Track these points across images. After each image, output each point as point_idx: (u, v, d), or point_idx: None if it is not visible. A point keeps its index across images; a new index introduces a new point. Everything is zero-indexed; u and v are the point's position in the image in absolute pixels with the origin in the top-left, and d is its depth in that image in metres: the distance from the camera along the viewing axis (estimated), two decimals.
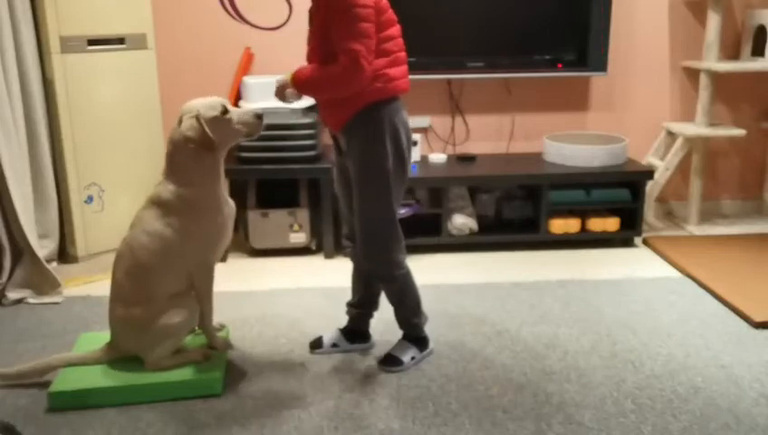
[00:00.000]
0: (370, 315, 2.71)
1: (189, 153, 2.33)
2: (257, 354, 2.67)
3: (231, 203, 2.50)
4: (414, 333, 2.61)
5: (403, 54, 2.36)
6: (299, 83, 2.31)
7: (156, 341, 2.38)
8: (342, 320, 2.76)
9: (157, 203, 2.38)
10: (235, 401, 2.35)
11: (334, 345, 2.69)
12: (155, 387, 2.35)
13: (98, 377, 2.38)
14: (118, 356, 2.47)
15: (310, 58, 2.37)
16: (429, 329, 2.85)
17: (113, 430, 2.20)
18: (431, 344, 2.65)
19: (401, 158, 2.38)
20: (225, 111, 2.35)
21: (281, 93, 2.40)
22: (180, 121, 2.35)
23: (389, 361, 2.57)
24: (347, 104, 2.31)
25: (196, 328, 2.57)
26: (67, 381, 2.36)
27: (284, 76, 2.36)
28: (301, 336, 2.79)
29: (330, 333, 2.72)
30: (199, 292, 2.47)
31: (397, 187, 2.39)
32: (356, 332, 2.71)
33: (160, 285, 2.38)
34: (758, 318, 2.87)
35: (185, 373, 2.40)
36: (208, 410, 2.30)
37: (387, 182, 2.36)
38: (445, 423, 2.23)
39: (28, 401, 2.34)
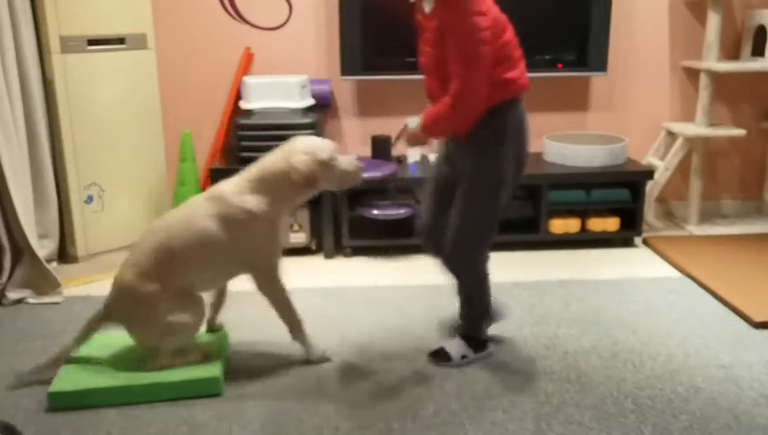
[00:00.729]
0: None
1: (285, 182, 2.40)
2: (257, 354, 2.67)
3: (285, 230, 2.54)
4: (473, 332, 2.60)
5: (518, 53, 2.36)
6: (429, 130, 2.37)
7: (161, 335, 2.39)
8: (341, 320, 2.76)
9: (220, 201, 2.40)
10: (235, 401, 2.35)
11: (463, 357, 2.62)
12: (155, 387, 2.35)
13: (98, 377, 2.38)
14: (104, 325, 2.44)
15: (426, 65, 2.41)
16: (430, 329, 2.85)
17: (113, 430, 2.20)
18: (490, 347, 2.63)
19: (520, 161, 2.40)
20: (335, 157, 2.43)
21: (415, 142, 2.48)
22: (289, 154, 2.40)
23: (439, 355, 2.58)
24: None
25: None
26: (67, 381, 2.36)
27: (412, 124, 2.42)
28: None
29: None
30: (273, 304, 2.53)
31: (506, 192, 2.41)
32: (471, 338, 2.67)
33: (180, 274, 2.38)
34: (758, 318, 2.87)
35: (185, 373, 2.40)
36: (208, 410, 2.30)
37: (500, 186, 2.37)
38: (445, 423, 2.23)
39: (28, 401, 2.35)
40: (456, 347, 2.59)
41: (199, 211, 2.40)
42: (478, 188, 2.38)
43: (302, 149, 2.40)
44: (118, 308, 2.43)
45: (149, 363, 2.42)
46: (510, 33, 2.32)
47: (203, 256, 2.39)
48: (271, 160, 2.43)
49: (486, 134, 2.33)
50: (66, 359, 2.47)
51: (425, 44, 2.39)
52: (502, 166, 2.35)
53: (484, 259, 2.49)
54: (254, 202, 2.40)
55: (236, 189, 2.42)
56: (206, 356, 2.49)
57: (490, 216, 2.41)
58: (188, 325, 2.42)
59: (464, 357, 2.58)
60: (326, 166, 2.41)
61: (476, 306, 2.56)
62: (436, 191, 2.54)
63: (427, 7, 2.32)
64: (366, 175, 3.50)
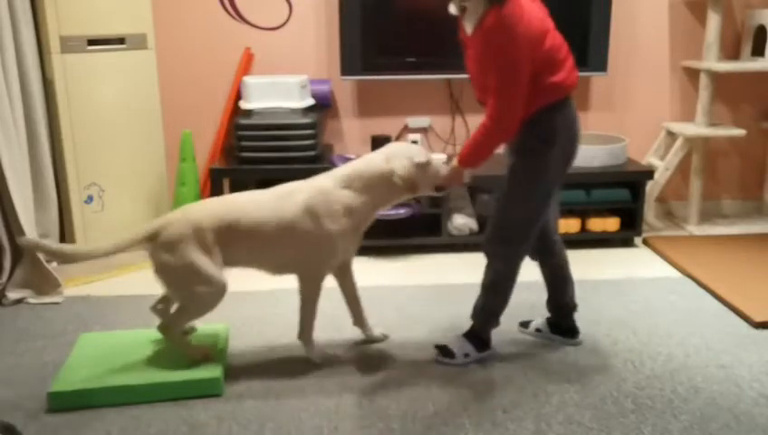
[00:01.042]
0: (572, 310, 2.72)
1: (383, 184, 2.45)
2: (257, 354, 2.67)
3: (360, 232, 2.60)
4: (478, 330, 2.60)
5: (563, 54, 2.37)
6: (467, 162, 2.41)
7: (180, 297, 2.41)
8: (341, 320, 2.76)
9: (319, 191, 2.44)
10: (235, 401, 2.35)
11: (538, 331, 2.77)
12: (155, 387, 2.35)
13: (98, 377, 2.38)
14: (145, 246, 2.42)
15: (471, 79, 2.46)
16: (430, 329, 2.85)
17: (113, 430, 2.20)
18: (493, 348, 2.64)
19: (567, 160, 2.42)
20: (429, 162, 2.50)
21: (455, 181, 2.51)
22: (388, 159, 2.45)
23: (443, 351, 2.60)
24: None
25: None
26: (67, 381, 2.36)
27: (449, 165, 2.49)
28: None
29: (540, 320, 2.78)
30: (303, 301, 2.56)
31: (549, 190, 2.43)
32: (559, 326, 2.74)
33: (235, 253, 2.42)
34: (758, 318, 2.87)
35: (185, 373, 2.40)
36: (208, 410, 2.30)
37: (543, 186, 2.40)
38: (445, 423, 2.23)
39: (28, 401, 2.34)
40: (460, 345, 2.59)
41: (298, 194, 2.44)
42: (522, 184, 2.41)
43: (401, 154, 2.46)
44: (164, 238, 2.38)
45: (162, 323, 2.45)
46: (551, 39, 2.32)
47: (277, 239, 2.41)
48: (369, 161, 2.48)
49: (535, 137, 2.35)
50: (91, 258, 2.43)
51: (468, 60, 2.43)
52: (548, 167, 2.38)
53: (518, 255, 2.50)
54: (351, 197, 2.45)
55: (335, 183, 2.46)
56: (207, 357, 2.49)
57: (530, 213, 2.43)
58: (206, 303, 2.41)
59: (466, 355, 2.58)
60: (423, 169, 2.47)
61: (492, 300, 2.56)
62: None
63: (469, 29, 2.35)
64: None
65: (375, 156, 2.50)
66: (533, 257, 2.64)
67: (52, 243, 2.39)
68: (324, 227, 2.43)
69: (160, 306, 2.59)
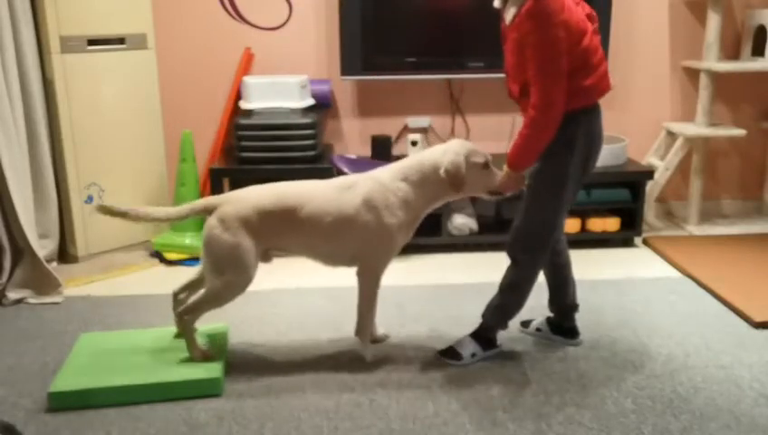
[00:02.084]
0: (574, 310, 2.73)
1: (434, 177, 2.44)
2: (257, 354, 2.67)
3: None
4: (487, 331, 2.61)
5: (597, 58, 2.35)
6: (516, 166, 2.37)
7: (212, 279, 2.42)
8: (341, 320, 2.76)
9: (378, 182, 2.45)
10: (235, 401, 2.35)
11: (538, 330, 2.78)
12: (155, 387, 2.35)
13: (98, 377, 2.38)
14: (203, 214, 2.46)
15: (507, 70, 2.43)
16: (430, 329, 2.86)
17: (113, 430, 2.20)
18: (499, 346, 2.65)
19: (586, 168, 2.43)
20: (487, 165, 2.47)
21: (513, 186, 2.45)
22: (445, 153, 2.44)
23: (450, 353, 2.60)
24: None
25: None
26: (67, 381, 2.36)
27: (500, 172, 2.43)
28: (301, 336, 2.79)
29: (540, 320, 2.79)
30: (361, 297, 2.57)
31: (570, 196, 2.44)
32: (560, 326, 2.75)
33: (286, 240, 2.45)
34: (758, 318, 2.87)
35: (185, 373, 2.40)
36: (208, 410, 2.30)
37: (563, 189, 2.40)
38: (445, 423, 2.23)
39: (28, 401, 2.35)
40: (466, 346, 2.60)
41: (353, 190, 2.45)
42: (542, 190, 2.42)
43: (457, 150, 2.45)
44: (222, 212, 2.41)
45: (184, 308, 2.47)
46: (588, 39, 2.31)
47: (334, 232, 2.43)
48: (427, 154, 2.49)
49: (557, 141, 2.33)
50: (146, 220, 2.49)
51: (507, 51, 2.42)
52: (568, 173, 2.38)
53: (539, 260, 2.51)
54: (407, 190, 2.45)
55: (393, 176, 2.47)
56: (207, 357, 2.49)
57: (551, 216, 2.44)
58: (232, 291, 2.44)
59: (473, 355, 2.58)
60: (475, 169, 2.45)
61: (512, 299, 2.56)
62: None
63: (509, 17, 2.34)
64: None
65: (435, 149, 2.50)
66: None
67: (121, 205, 2.45)
68: (383, 220, 2.44)
69: (182, 295, 2.61)
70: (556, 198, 2.41)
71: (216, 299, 2.47)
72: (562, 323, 2.74)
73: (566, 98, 2.27)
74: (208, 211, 2.44)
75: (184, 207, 2.47)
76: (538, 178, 2.42)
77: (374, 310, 2.61)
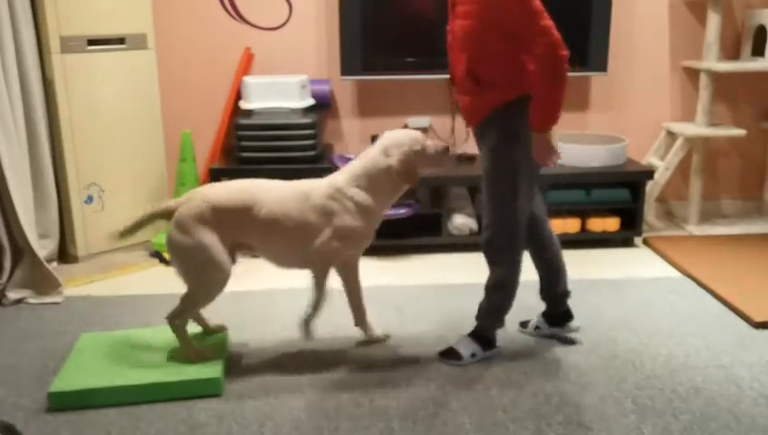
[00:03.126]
0: (566, 296, 2.73)
1: (385, 177, 2.47)
2: (257, 354, 2.67)
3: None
4: (484, 330, 2.61)
5: None
6: (542, 126, 2.31)
7: (187, 277, 2.43)
8: (341, 320, 2.76)
9: (336, 189, 2.47)
10: (235, 401, 2.35)
11: (537, 328, 2.78)
12: (155, 387, 2.35)
13: (98, 377, 2.38)
14: (162, 219, 2.49)
15: (453, 42, 2.40)
16: (430, 329, 2.85)
17: (113, 430, 2.20)
18: (498, 345, 2.65)
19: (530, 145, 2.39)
20: (426, 146, 2.51)
21: (549, 151, 2.37)
22: (384, 151, 2.47)
23: (449, 354, 2.59)
24: (485, 100, 2.34)
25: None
26: (67, 381, 2.36)
27: (548, 136, 2.33)
28: (301, 336, 2.79)
29: (536, 318, 2.79)
30: (346, 289, 2.66)
31: (526, 186, 2.42)
32: (555, 315, 2.75)
33: (248, 238, 2.45)
34: (758, 318, 2.87)
35: (185, 373, 2.40)
36: (208, 410, 2.30)
37: (517, 184, 2.39)
38: (445, 423, 2.23)
39: (28, 401, 2.35)
40: (466, 346, 2.60)
41: (317, 191, 2.47)
42: (496, 188, 2.42)
43: (396, 144, 2.47)
44: (182, 213, 2.42)
45: (170, 313, 2.47)
46: (547, 18, 2.29)
47: (295, 233, 2.44)
48: (369, 158, 2.50)
49: (500, 129, 2.34)
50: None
51: (456, 18, 2.37)
52: (518, 165, 2.37)
53: (515, 255, 2.51)
54: (363, 196, 2.48)
55: (348, 182, 2.48)
56: (204, 358, 2.48)
57: (512, 212, 2.43)
58: (212, 288, 2.44)
59: (473, 355, 2.58)
60: (419, 156, 2.48)
61: (496, 300, 2.56)
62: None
63: None
64: None
65: (373, 151, 2.52)
66: (525, 247, 2.64)
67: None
68: (342, 224, 2.45)
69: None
70: (512, 192, 2.40)
71: (195, 301, 2.48)
72: (557, 310, 2.74)
73: (513, 80, 2.28)
74: (167, 216, 2.44)
75: (144, 216, 2.49)
76: (489, 178, 2.41)
77: (361, 298, 2.68)
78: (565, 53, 2.21)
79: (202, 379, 2.38)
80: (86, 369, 2.43)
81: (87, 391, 2.31)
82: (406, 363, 2.59)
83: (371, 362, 2.61)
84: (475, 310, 2.62)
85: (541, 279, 2.71)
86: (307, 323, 2.57)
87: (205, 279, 2.42)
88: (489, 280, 2.57)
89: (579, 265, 3.55)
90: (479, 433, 2.17)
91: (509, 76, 2.31)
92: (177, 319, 2.48)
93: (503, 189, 2.41)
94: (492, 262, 2.53)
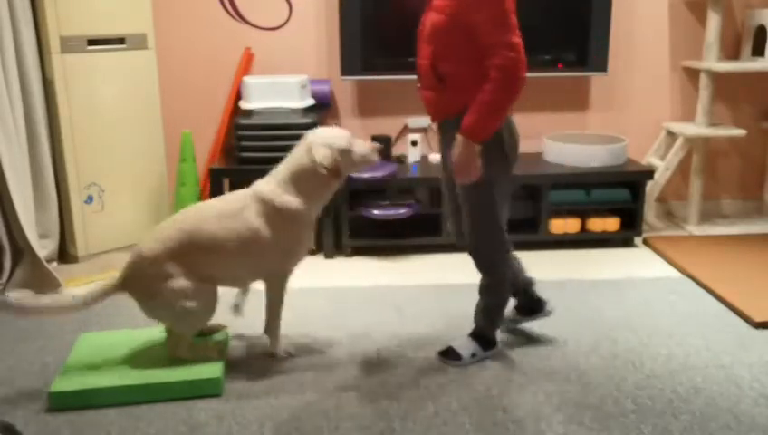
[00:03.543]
0: (532, 285, 2.73)
1: (312, 177, 2.45)
2: (257, 354, 2.67)
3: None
4: (484, 331, 2.62)
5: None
6: (473, 134, 2.21)
7: (171, 318, 2.42)
8: (341, 320, 2.76)
9: (265, 202, 2.44)
10: (235, 401, 2.35)
11: (513, 321, 2.80)
12: (155, 387, 2.35)
13: (98, 377, 2.38)
14: (118, 293, 2.44)
15: (424, 33, 2.37)
16: (430, 329, 2.85)
17: (113, 430, 2.20)
18: (499, 345, 2.66)
19: (504, 157, 2.36)
20: (351, 143, 2.49)
21: (466, 164, 2.25)
22: (309, 149, 2.44)
23: (450, 354, 2.60)
24: (452, 99, 2.31)
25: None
26: (67, 381, 2.36)
27: (458, 150, 2.24)
28: (301, 336, 2.79)
29: (509, 315, 2.79)
30: (271, 300, 2.57)
31: (500, 186, 2.40)
32: (528, 306, 2.77)
33: (207, 264, 2.41)
34: (758, 318, 2.87)
35: (185, 373, 2.40)
36: (208, 410, 2.30)
37: (492, 190, 2.37)
38: (445, 423, 2.23)
39: (28, 401, 2.35)
40: (466, 346, 2.60)
41: (248, 210, 2.44)
42: (471, 191, 2.39)
43: (320, 142, 2.44)
44: (133, 279, 2.42)
45: (168, 349, 2.46)
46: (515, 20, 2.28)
47: (238, 253, 2.42)
48: (295, 159, 2.48)
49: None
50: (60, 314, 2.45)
51: (431, 10, 2.33)
52: (489, 171, 2.31)
53: (502, 258, 2.51)
54: (295, 202, 2.45)
55: (277, 190, 2.46)
56: (222, 353, 2.52)
57: (495, 221, 2.43)
58: (200, 313, 2.42)
59: (473, 355, 2.59)
60: (346, 153, 2.46)
61: (491, 300, 2.57)
62: (449, 191, 2.57)
63: None
64: (366, 175, 3.51)
65: (298, 150, 2.49)
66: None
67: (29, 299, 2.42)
68: (282, 234, 2.44)
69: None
70: (490, 200, 2.39)
71: (187, 332, 2.46)
72: (529, 301, 2.75)
73: (478, 85, 2.19)
74: (118, 290, 2.44)
75: (94, 293, 2.43)
76: (468, 187, 2.36)
77: (281, 309, 2.61)
78: (524, 75, 2.17)
79: (202, 379, 2.38)
80: (86, 369, 2.43)
81: (87, 391, 2.31)
82: (406, 363, 2.59)
83: (372, 362, 2.61)
84: (474, 309, 2.62)
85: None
86: (272, 335, 2.61)
87: (188, 312, 2.40)
88: (482, 282, 2.57)
89: (579, 265, 3.55)
90: (479, 433, 2.17)
91: (472, 80, 2.22)
92: (175, 354, 2.47)
93: (480, 198, 2.39)
94: (481, 267, 2.54)
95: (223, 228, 2.41)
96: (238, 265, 2.46)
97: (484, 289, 2.57)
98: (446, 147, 2.43)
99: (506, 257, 2.53)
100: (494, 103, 2.19)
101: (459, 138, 2.24)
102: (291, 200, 2.45)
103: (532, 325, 2.86)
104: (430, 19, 2.34)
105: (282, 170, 2.50)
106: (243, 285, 2.65)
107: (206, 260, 2.41)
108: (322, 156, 2.42)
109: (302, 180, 2.46)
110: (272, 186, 2.48)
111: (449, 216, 2.66)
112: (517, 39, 2.16)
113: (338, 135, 2.48)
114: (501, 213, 2.44)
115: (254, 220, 2.43)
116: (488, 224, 2.43)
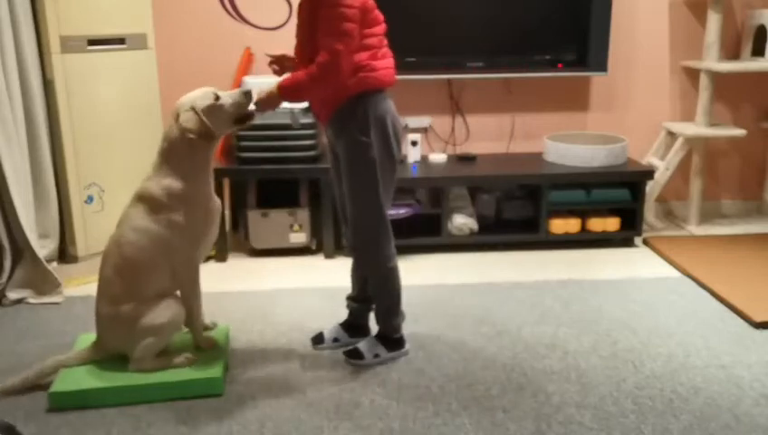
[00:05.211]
0: (369, 309, 2.71)
1: (185, 147, 2.35)
2: (257, 354, 2.67)
3: (216, 199, 2.51)
4: (388, 332, 2.62)
5: (387, 51, 2.41)
6: (286, 94, 2.32)
7: (138, 340, 2.37)
8: (341, 320, 2.76)
9: (145, 199, 2.39)
10: (235, 401, 2.35)
11: (335, 340, 2.71)
12: (155, 387, 2.35)
13: (98, 377, 2.38)
14: (104, 355, 2.46)
15: (297, 52, 2.43)
16: (430, 329, 2.85)
17: (113, 430, 2.20)
18: (407, 346, 2.65)
19: (388, 149, 2.41)
20: (217, 97, 2.38)
21: (267, 105, 2.36)
22: (177, 117, 2.36)
23: (352, 353, 2.59)
24: (332, 96, 2.35)
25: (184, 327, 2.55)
26: (67, 381, 2.36)
27: (270, 88, 2.34)
28: (301, 336, 2.79)
29: (330, 328, 2.75)
30: (184, 289, 2.48)
31: (385, 179, 2.42)
32: (356, 325, 2.74)
33: (148, 283, 2.39)
34: (758, 318, 2.87)
35: (185, 373, 2.40)
36: (208, 410, 2.30)
37: (374, 175, 2.39)
38: (445, 423, 2.23)
39: (28, 401, 2.34)
40: (368, 346, 2.60)
41: (134, 215, 2.40)
42: (353, 180, 2.41)
43: (183, 107, 2.35)
44: (111, 340, 2.44)
45: (132, 363, 2.41)
46: (381, 30, 2.38)
47: (155, 254, 2.37)
48: (165, 136, 2.39)
49: (349, 124, 2.36)
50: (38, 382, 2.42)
51: (300, 28, 2.41)
52: (370, 157, 2.36)
53: (387, 250, 2.51)
54: (175, 184, 2.36)
55: (154, 181, 2.38)
56: (191, 362, 2.46)
57: (374, 206, 2.43)
58: (168, 325, 2.40)
59: (376, 356, 2.59)
60: (213, 109, 2.35)
61: (386, 300, 2.58)
62: (339, 182, 2.55)
63: None
64: None
65: (169, 127, 2.39)
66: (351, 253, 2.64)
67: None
68: (172, 221, 2.36)
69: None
70: (372, 183, 2.39)
71: (159, 341, 2.42)
72: (360, 320, 2.73)
73: (354, 75, 2.30)
74: (99, 353, 2.46)
75: (76, 357, 2.45)
76: (349, 173, 2.40)
77: (200, 297, 2.52)
78: (332, 78, 2.25)
79: (202, 379, 2.38)
80: (86, 369, 2.43)
81: (87, 391, 2.31)
82: (406, 363, 2.59)
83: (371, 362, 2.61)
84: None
85: (356, 281, 2.70)
86: (194, 327, 2.56)
87: (158, 334, 2.39)
88: (371, 283, 2.58)
89: (579, 266, 3.55)
90: (479, 433, 2.17)
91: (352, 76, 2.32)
92: (141, 368, 2.41)
93: (364, 188, 2.40)
94: (363, 264, 2.54)
95: (137, 243, 2.37)
96: (160, 268, 2.40)
97: (375, 289, 2.57)
98: (339, 143, 2.43)
99: (389, 240, 2.50)
100: (303, 84, 2.28)
101: (275, 88, 2.33)
102: (169, 183, 2.35)
103: (532, 327, 2.86)
104: (302, 29, 2.41)
105: (156, 158, 2.40)
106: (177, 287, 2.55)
107: (149, 278, 2.39)
108: (185, 120, 2.32)
109: (175, 156, 2.35)
110: (150, 180, 2.40)
111: (341, 215, 2.62)
112: (340, 47, 2.23)
113: (200, 95, 2.36)
114: (383, 197, 2.43)
115: (145, 222, 2.37)
116: (370, 201, 2.41)
